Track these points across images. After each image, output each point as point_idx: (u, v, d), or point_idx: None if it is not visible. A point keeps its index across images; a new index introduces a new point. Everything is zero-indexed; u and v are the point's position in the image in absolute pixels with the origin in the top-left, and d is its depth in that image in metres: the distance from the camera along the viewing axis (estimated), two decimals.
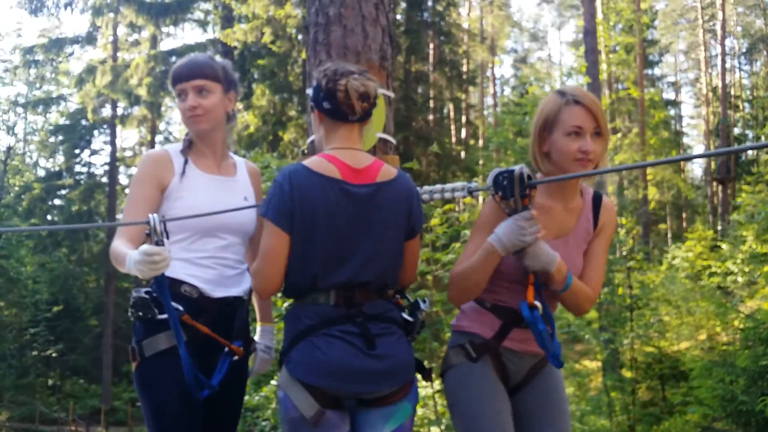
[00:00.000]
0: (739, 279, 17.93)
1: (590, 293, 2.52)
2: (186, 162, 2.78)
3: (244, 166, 3.02)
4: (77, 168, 29.28)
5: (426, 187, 2.89)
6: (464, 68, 29.95)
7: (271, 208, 2.38)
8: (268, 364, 3.01)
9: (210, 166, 2.85)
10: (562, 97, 2.46)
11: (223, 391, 2.64)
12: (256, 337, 3.01)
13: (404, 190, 2.43)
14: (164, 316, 2.50)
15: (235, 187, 2.88)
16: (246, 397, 6.56)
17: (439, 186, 2.87)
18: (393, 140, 3.49)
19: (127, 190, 3.03)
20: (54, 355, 25.76)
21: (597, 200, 2.61)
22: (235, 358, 2.72)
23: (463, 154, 28.32)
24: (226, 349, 2.69)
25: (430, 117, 23.91)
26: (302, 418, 2.32)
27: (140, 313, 2.55)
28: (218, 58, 3.01)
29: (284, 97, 20.26)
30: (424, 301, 2.53)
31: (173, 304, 2.48)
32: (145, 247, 2.32)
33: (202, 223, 2.68)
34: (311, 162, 2.39)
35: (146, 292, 2.54)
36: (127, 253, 2.44)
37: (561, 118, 2.44)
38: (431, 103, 24.02)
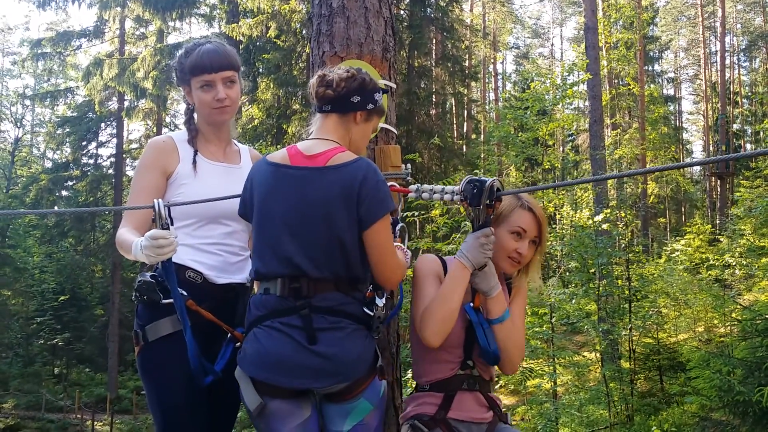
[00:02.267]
0: (737, 272, 18.07)
1: (520, 342, 2.62)
2: (196, 152, 2.76)
3: (248, 153, 3.00)
4: (84, 160, 29.29)
5: (427, 186, 2.85)
6: (466, 63, 30.07)
7: (240, 200, 2.50)
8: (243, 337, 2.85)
9: (215, 153, 2.83)
10: (518, 200, 2.66)
11: (225, 377, 2.55)
12: None
13: (352, 176, 2.26)
14: (168, 300, 2.48)
15: (240, 174, 2.77)
16: None
17: (439, 186, 2.83)
18: (395, 130, 3.47)
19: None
20: (60, 343, 25.88)
21: (507, 277, 2.76)
22: (238, 344, 2.60)
23: (464, 148, 28.46)
24: (229, 335, 2.63)
25: (433, 111, 23.99)
26: (249, 410, 2.33)
27: (144, 297, 2.52)
28: (224, 42, 2.94)
29: (289, 91, 20.25)
30: (381, 297, 2.38)
31: (178, 289, 2.47)
32: (153, 231, 2.30)
33: (207, 210, 2.66)
34: (273, 153, 2.45)
35: (152, 276, 2.51)
36: (133, 239, 2.43)
37: (512, 217, 2.63)
38: (434, 98, 24.08)
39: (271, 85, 20.25)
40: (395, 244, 2.51)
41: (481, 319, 2.54)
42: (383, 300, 2.37)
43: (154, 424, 2.68)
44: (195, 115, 2.86)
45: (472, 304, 2.56)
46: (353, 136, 2.45)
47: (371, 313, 2.32)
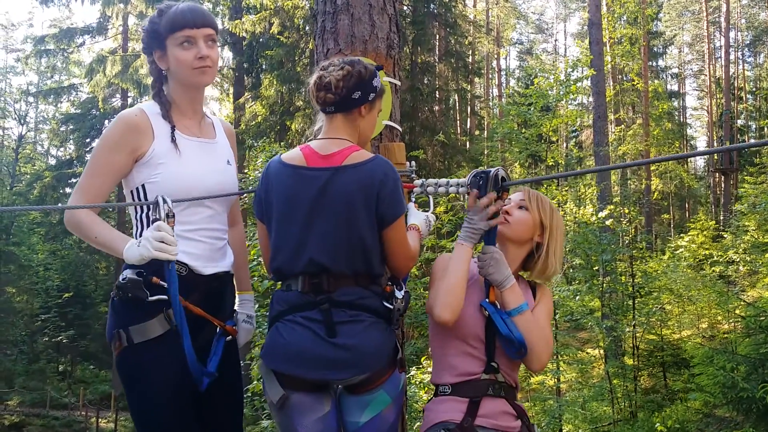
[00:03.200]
0: (741, 268, 18.05)
1: (545, 335, 2.55)
2: (173, 128, 2.54)
3: (221, 126, 2.82)
4: (88, 157, 29.27)
5: (432, 180, 2.89)
6: (470, 59, 30.06)
7: (254, 200, 2.52)
8: (250, 334, 2.84)
9: (191, 127, 2.62)
10: (527, 182, 2.77)
11: (223, 373, 2.52)
12: (236, 307, 2.82)
13: (372, 175, 2.32)
14: (155, 297, 2.37)
15: (217, 149, 2.69)
16: (254, 382, 6.70)
17: (444, 180, 2.87)
18: (399, 127, 3.46)
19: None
20: (65, 341, 25.91)
21: (533, 285, 2.75)
22: (229, 338, 2.61)
23: (468, 144, 28.46)
24: (219, 329, 2.57)
25: (436, 107, 23.98)
26: (272, 402, 2.37)
27: (129, 295, 2.37)
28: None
29: (292, 87, 20.24)
30: (400, 289, 2.44)
31: (161, 283, 2.38)
32: (160, 224, 2.32)
33: (188, 192, 2.50)
34: (287, 153, 2.46)
35: (137, 273, 2.37)
36: (116, 233, 2.45)
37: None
38: (437, 94, 24.08)
39: (275, 82, 20.25)
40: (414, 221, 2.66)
41: (499, 311, 2.50)
42: (402, 292, 2.44)
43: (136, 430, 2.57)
44: (165, 87, 2.63)
45: (487, 300, 2.53)
46: (361, 128, 2.48)
47: (391, 307, 2.38)
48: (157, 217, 2.38)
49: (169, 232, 2.34)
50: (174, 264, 2.37)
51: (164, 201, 2.38)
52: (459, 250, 2.53)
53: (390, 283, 2.45)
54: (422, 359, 8.40)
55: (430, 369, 8.15)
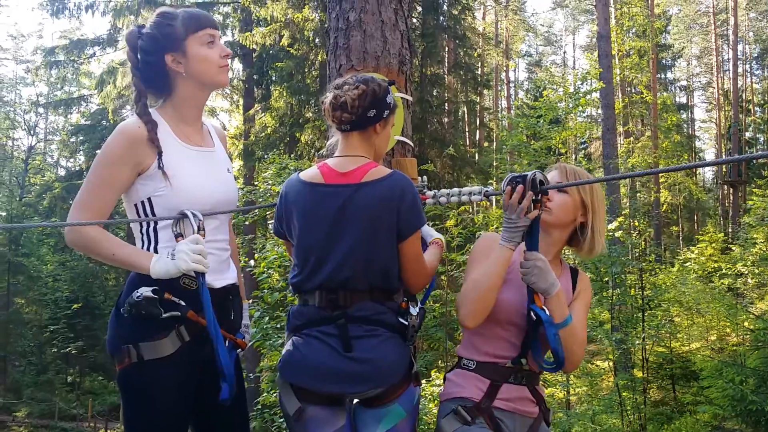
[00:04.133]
0: (750, 281, 18.01)
1: (582, 342, 2.53)
2: (169, 135, 2.49)
3: (214, 131, 2.76)
4: None
5: (444, 190, 2.89)
6: (479, 71, 30.12)
7: (274, 219, 2.56)
8: (246, 344, 2.77)
9: (191, 136, 2.57)
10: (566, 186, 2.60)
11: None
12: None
13: (391, 190, 2.34)
14: (168, 314, 2.35)
15: (217, 158, 2.65)
16: (264, 394, 6.73)
17: (456, 189, 2.87)
18: (411, 143, 3.50)
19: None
20: (73, 352, 25.87)
21: (574, 271, 2.71)
22: (239, 351, 2.61)
23: (477, 156, 28.47)
24: (228, 342, 2.53)
25: (445, 119, 24.02)
26: (288, 415, 2.41)
27: (143, 312, 2.32)
28: None
29: (301, 99, 20.29)
30: (415, 306, 2.46)
31: (174, 299, 2.38)
32: (195, 236, 2.35)
33: (199, 204, 2.46)
34: (305, 171, 2.48)
35: (153, 291, 2.35)
36: (134, 247, 2.43)
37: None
38: (446, 106, 24.12)
39: (284, 94, 20.31)
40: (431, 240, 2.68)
41: (550, 320, 2.41)
42: (416, 309, 2.45)
43: None
44: (158, 99, 2.56)
45: (536, 304, 2.45)
46: (376, 145, 2.51)
47: (406, 323, 2.40)
48: (180, 231, 2.41)
49: (204, 244, 2.37)
50: (205, 277, 2.38)
51: (194, 215, 2.41)
52: (499, 251, 2.44)
53: (405, 299, 2.47)
54: (432, 371, 8.39)
55: (438, 382, 8.17)
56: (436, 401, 7.96)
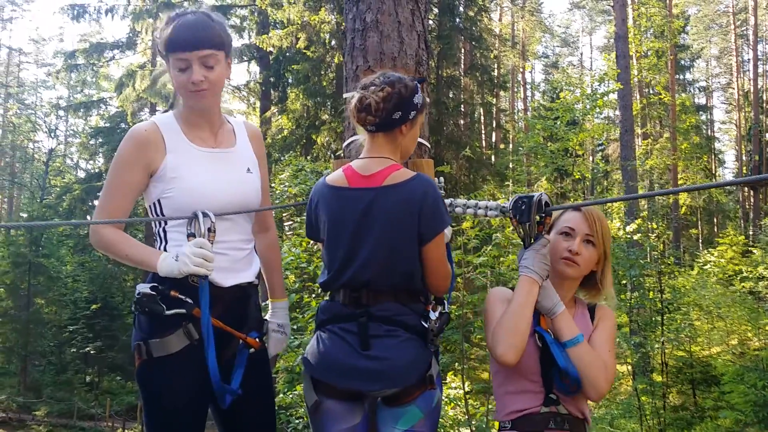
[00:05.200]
0: None
1: (602, 365, 2.41)
2: (180, 137, 2.52)
3: (243, 130, 2.76)
4: None
5: (460, 200, 2.87)
6: (495, 73, 30.05)
7: (305, 223, 2.60)
8: (282, 344, 2.83)
9: (206, 138, 2.58)
10: (571, 207, 2.62)
11: (244, 388, 2.50)
12: (268, 316, 2.81)
13: (412, 194, 2.35)
14: (171, 312, 2.38)
15: (235, 158, 2.63)
16: (280, 395, 6.73)
17: (473, 202, 2.85)
18: (428, 144, 3.44)
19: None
20: (92, 352, 26.11)
21: (591, 306, 2.64)
22: (252, 350, 2.58)
23: (493, 158, 28.40)
24: (241, 343, 2.55)
25: (461, 121, 24.02)
26: (307, 406, 2.47)
27: (146, 309, 2.38)
28: (212, 14, 2.57)
29: (318, 102, 20.40)
30: (435, 311, 2.44)
31: (180, 297, 2.40)
32: (200, 240, 2.38)
33: (206, 205, 2.46)
34: (331, 175, 2.52)
35: (152, 288, 2.39)
36: (146, 247, 2.49)
37: (560, 219, 2.58)
38: (462, 108, 24.11)
39: (301, 96, 20.41)
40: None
41: (555, 341, 2.41)
42: (437, 314, 2.43)
43: None
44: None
45: (541, 326, 2.44)
46: (403, 146, 2.51)
47: (427, 326, 2.39)
48: (192, 231, 2.42)
49: (209, 248, 2.39)
50: (208, 279, 2.40)
51: (205, 215, 2.44)
52: (527, 284, 2.41)
53: (434, 301, 2.48)
54: (449, 374, 8.35)
55: (454, 385, 8.14)
56: (452, 404, 7.93)
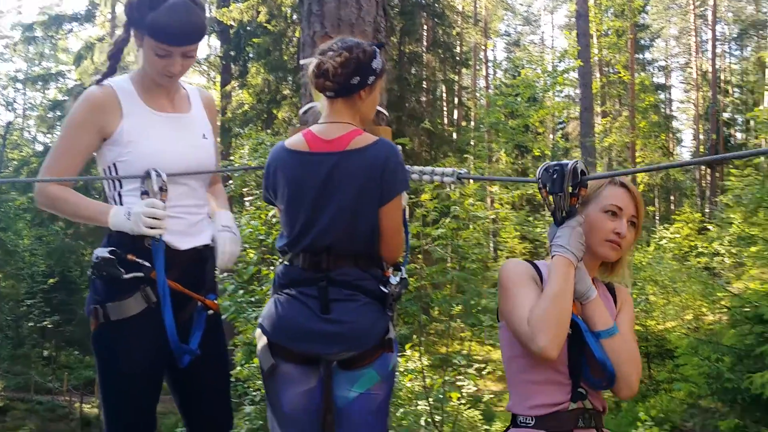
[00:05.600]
0: (726, 260, 18.17)
1: (637, 359, 2.20)
2: (136, 101, 2.51)
3: (198, 96, 2.77)
4: None
5: (416, 167, 2.85)
6: (458, 50, 30.04)
7: (262, 188, 2.57)
8: (236, 244, 2.71)
9: (162, 103, 2.58)
10: (609, 179, 2.32)
11: (207, 349, 2.52)
12: (214, 220, 2.74)
13: (374, 158, 2.36)
14: (130, 275, 2.39)
15: (191, 124, 2.65)
16: (237, 368, 6.74)
17: (429, 168, 2.84)
18: (385, 112, 3.41)
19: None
20: (50, 326, 25.78)
21: (610, 285, 2.40)
22: (210, 312, 2.61)
23: (455, 135, 28.47)
24: (199, 304, 2.57)
25: (423, 98, 24.01)
26: (263, 370, 2.45)
27: (104, 273, 2.39)
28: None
29: (279, 76, 20.20)
30: (396, 276, 2.45)
31: (138, 260, 2.41)
32: (152, 201, 2.39)
33: (162, 170, 2.46)
34: (289, 139, 2.51)
35: (110, 252, 2.40)
36: (97, 203, 2.48)
37: (602, 194, 2.25)
38: (424, 84, 24.10)
39: (262, 70, 20.21)
40: None
41: (589, 330, 2.15)
42: (397, 278, 2.45)
43: (101, 405, 2.59)
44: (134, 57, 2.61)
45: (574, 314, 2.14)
46: (362, 111, 2.50)
47: (386, 291, 2.41)
48: (146, 189, 2.43)
49: (161, 207, 2.39)
50: (162, 240, 2.41)
51: (158, 174, 2.43)
52: (564, 266, 2.11)
53: (391, 267, 2.49)
54: (407, 346, 8.40)
55: (414, 358, 8.18)
56: (409, 376, 8.00)
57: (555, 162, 2.20)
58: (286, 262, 2.49)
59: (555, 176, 2.16)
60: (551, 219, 2.26)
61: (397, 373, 6.97)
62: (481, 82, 41.45)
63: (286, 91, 19.79)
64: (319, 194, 2.36)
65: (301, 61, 2.74)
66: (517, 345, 2.17)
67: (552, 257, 2.15)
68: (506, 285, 2.21)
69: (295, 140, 2.47)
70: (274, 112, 19.50)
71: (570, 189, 2.15)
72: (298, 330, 2.35)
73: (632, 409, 10.94)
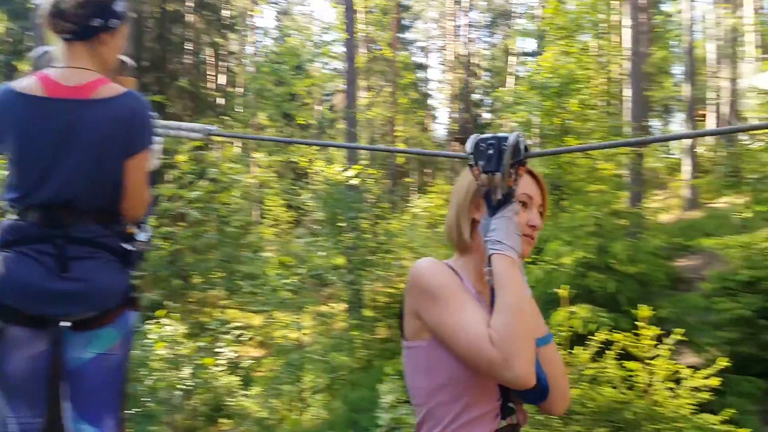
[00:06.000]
0: None
1: (565, 370, 1.93)
2: None
3: None
4: None
5: (161, 121, 2.65)
6: (226, 14, 29.36)
7: None
8: None
9: None
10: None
11: None
12: None
13: (122, 109, 2.25)
14: None
15: None
16: None
17: (175, 123, 2.70)
18: (129, 60, 3.10)
19: None
20: None
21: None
22: None
23: (223, 101, 27.92)
24: None
25: (187, 60, 23.23)
26: None
27: None
28: None
29: (24, 26, 18.66)
30: (141, 233, 2.39)
31: None
32: None
33: None
34: (19, 81, 2.29)
35: None
36: None
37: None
38: (192, 47, 23.34)
39: (3, 17, 18.46)
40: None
41: None
42: (145, 236, 2.39)
43: None
44: None
45: None
46: (105, 57, 2.37)
47: (130, 248, 2.33)
48: None
49: None
50: None
51: None
52: (511, 267, 1.70)
53: (134, 225, 2.39)
54: (157, 312, 8.14)
55: (167, 326, 7.92)
56: (163, 343, 7.75)
57: (491, 135, 1.78)
58: (14, 217, 2.27)
59: (491, 152, 1.74)
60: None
61: (149, 341, 6.72)
62: (250, 49, 40.93)
63: (32, 43, 18.21)
64: (58, 145, 2.19)
65: (36, 1, 2.46)
66: (444, 372, 1.76)
67: (490, 257, 1.73)
68: (439, 294, 1.73)
69: (27, 83, 2.25)
70: (16, 64, 17.90)
71: (510, 168, 1.74)
72: (33, 291, 2.17)
73: (382, 366, 11.50)
